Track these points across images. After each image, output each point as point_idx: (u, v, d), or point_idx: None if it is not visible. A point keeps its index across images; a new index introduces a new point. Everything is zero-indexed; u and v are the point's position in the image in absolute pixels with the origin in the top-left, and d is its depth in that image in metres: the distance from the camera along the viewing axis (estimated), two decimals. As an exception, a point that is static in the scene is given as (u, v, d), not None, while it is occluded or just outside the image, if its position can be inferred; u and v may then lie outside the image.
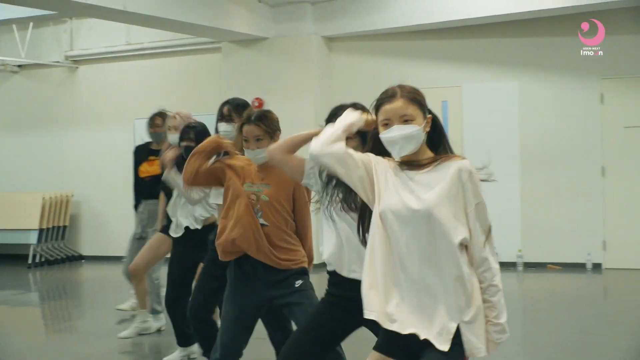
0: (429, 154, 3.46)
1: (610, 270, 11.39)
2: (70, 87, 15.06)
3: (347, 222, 4.16)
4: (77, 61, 14.90)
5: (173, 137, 7.26)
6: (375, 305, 3.34)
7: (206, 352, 6.13)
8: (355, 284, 3.85)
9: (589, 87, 11.64)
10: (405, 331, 3.30)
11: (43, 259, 14.04)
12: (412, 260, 3.31)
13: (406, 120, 3.35)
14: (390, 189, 3.38)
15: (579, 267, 11.56)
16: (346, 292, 4.13)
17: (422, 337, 3.27)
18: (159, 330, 8.28)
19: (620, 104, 11.57)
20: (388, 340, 3.40)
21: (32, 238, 13.90)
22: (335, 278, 4.25)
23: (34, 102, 15.33)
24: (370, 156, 3.48)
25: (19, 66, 15.36)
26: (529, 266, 11.82)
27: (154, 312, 8.34)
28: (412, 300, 3.31)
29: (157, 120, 8.18)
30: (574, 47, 11.53)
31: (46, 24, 14.61)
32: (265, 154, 4.90)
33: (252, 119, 5.04)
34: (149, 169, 8.26)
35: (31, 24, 14.37)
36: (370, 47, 12.73)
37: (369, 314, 3.35)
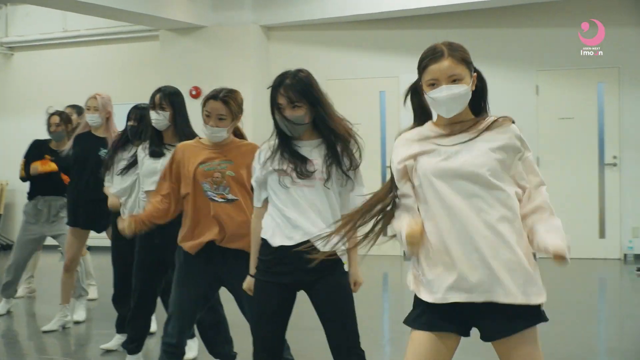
0: (470, 114, 3.37)
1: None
2: (5, 74, 14.71)
3: (299, 192, 4.11)
4: (12, 48, 14.56)
5: (91, 117, 7.18)
6: (440, 283, 3.20)
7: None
8: (283, 251, 4.04)
9: (524, 78, 11.66)
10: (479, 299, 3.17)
11: (-23, 248, 13.70)
12: (486, 216, 3.16)
13: (455, 80, 3.22)
14: (437, 157, 3.24)
15: (513, 256, 11.56)
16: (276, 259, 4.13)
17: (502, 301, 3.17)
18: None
19: (555, 96, 11.60)
20: (439, 314, 3.25)
21: (-33, 227, 13.62)
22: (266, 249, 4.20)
23: (-32, 89, 14.94)
24: (398, 163, 3.36)
25: (-47, 53, 14.95)
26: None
27: (81, 297, 8.34)
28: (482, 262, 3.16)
29: (55, 120, 8.05)
30: (510, 39, 11.60)
31: (-20, 9, 14.23)
32: (223, 134, 4.88)
33: (220, 95, 4.90)
34: (39, 167, 8.06)
35: (-35, 10, 14.00)
36: (308, 37, 12.59)
37: (430, 296, 3.24)
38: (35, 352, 7.51)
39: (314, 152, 4.16)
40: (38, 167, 7.96)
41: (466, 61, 3.28)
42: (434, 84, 3.23)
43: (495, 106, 11.93)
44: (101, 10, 10.88)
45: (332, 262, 4.08)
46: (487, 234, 3.13)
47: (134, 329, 6.18)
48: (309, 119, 4.13)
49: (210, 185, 4.87)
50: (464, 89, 3.22)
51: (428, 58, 3.29)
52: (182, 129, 5.81)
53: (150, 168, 5.82)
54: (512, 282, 3.15)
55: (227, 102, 4.90)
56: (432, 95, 3.23)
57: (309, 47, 12.52)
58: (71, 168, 7.42)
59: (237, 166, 4.89)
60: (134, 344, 6.20)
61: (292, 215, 4.07)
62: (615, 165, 11.42)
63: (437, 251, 3.19)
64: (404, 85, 12.20)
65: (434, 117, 3.43)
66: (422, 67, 3.31)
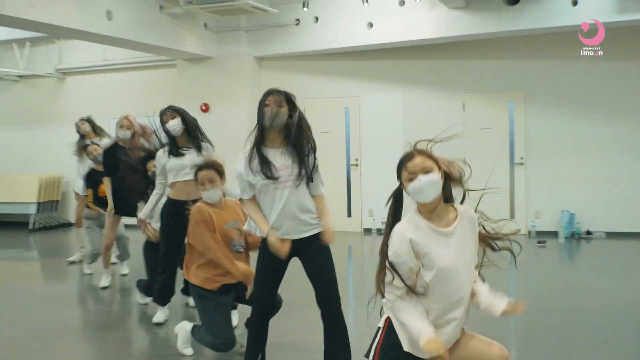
0: (446, 208, 3.27)
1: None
2: (59, 93, 14.54)
3: (280, 193, 4.09)
4: (64, 73, 14.37)
5: (124, 133, 7.03)
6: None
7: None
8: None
9: (454, 98, 11.64)
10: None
11: (41, 226, 13.79)
12: (461, 288, 3.19)
13: (427, 171, 3.11)
14: (438, 250, 3.13)
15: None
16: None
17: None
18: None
19: (477, 111, 11.59)
20: None
21: (32, 209, 13.66)
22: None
23: (31, 104, 14.79)
24: (404, 249, 3.11)
25: (19, 77, 14.75)
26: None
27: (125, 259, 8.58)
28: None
29: (97, 150, 8.18)
30: (443, 68, 11.57)
31: (40, 43, 14.04)
32: (219, 192, 4.71)
33: (204, 165, 4.70)
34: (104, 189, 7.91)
35: (28, 43, 13.89)
36: (291, 65, 12.50)
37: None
38: (90, 303, 7.49)
39: (283, 156, 4.09)
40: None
41: (433, 158, 3.19)
42: (412, 178, 3.11)
43: (432, 119, 11.88)
44: (132, 44, 10.76)
45: (317, 234, 4.17)
46: (466, 302, 3.21)
47: (163, 285, 6.07)
48: (287, 120, 4.09)
49: (237, 239, 4.75)
50: (436, 176, 3.13)
51: (403, 160, 3.19)
52: (193, 131, 5.77)
53: (179, 164, 5.70)
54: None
55: (212, 168, 4.71)
56: (413, 185, 3.10)
57: (292, 73, 12.43)
58: (111, 172, 7.20)
59: (242, 222, 4.79)
60: (163, 299, 6.15)
61: (274, 215, 4.10)
62: (522, 164, 11.44)
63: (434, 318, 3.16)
64: (364, 103, 12.13)
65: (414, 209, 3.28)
66: (400, 168, 3.18)
